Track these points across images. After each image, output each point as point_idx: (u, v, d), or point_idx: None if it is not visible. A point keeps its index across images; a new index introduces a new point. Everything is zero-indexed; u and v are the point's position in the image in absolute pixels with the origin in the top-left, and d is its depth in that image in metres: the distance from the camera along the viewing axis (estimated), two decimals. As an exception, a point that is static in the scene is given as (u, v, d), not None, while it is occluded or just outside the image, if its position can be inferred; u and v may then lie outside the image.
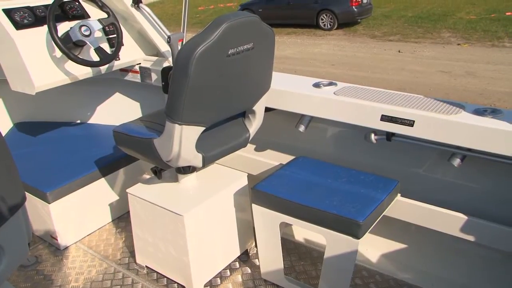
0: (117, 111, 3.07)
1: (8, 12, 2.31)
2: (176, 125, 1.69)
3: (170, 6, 21.19)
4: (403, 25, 13.85)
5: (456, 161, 1.86)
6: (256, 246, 2.34)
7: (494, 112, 1.76)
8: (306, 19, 14.47)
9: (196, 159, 1.85)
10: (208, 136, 1.91)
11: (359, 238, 1.69)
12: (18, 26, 2.31)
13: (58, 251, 2.44)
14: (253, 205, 1.97)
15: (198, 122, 1.74)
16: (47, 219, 2.39)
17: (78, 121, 3.21)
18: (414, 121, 1.83)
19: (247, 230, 2.31)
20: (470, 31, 12.55)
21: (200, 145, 1.83)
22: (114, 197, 2.63)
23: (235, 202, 2.19)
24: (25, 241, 1.27)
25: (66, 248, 2.46)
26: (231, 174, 2.24)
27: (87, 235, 2.55)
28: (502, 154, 1.67)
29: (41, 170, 2.50)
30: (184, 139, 1.74)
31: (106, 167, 2.55)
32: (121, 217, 2.69)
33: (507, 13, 13.78)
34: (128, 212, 2.42)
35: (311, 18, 14.38)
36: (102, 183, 2.54)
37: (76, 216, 2.46)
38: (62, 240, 2.44)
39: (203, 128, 1.78)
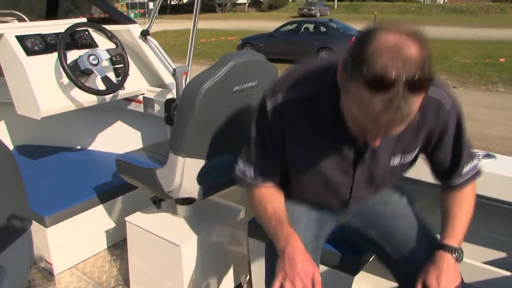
0: (118, 139, 3.11)
1: (21, 39, 2.38)
2: (180, 157, 1.73)
3: (172, 36, 21.54)
4: (400, 66, 14.10)
5: None
6: (250, 279, 2.35)
7: (487, 157, 1.81)
8: (306, 56, 14.63)
9: (196, 191, 1.88)
10: (209, 169, 1.95)
11: (354, 275, 1.71)
12: (29, 52, 2.37)
13: (51, 276, 2.43)
14: (249, 239, 1.99)
15: (201, 155, 1.78)
16: (43, 243, 2.40)
17: (79, 147, 3.24)
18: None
19: (242, 263, 2.32)
20: (465, 75, 12.80)
21: (201, 177, 1.87)
22: (111, 224, 2.64)
23: (232, 235, 2.21)
24: (27, 264, 1.30)
25: (60, 273, 2.46)
26: (229, 207, 2.27)
27: (82, 261, 2.55)
28: (496, 198, 1.71)
29: (40, 193, 2.52)
30: (186, 171, 1.78)
31: (105, 194, 2.58)
32: (117, 245, 2.69)
33: (501, 59, 14.10)
34: (124, 239, 2.43)
35: (311, 55, 14.63)
36: (100, 209, 2.56)
37: (72, 242, 2.47)
38: (57, 265, 2.44)
39: (205, 161, 1.82)
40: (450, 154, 1.39)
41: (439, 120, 1.31)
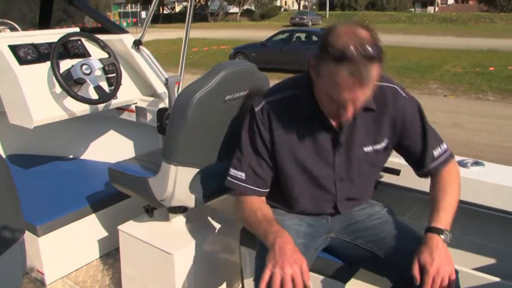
0: (111, 148, 3.11)
1: (13, 48, 2.39)
2: (172, 165, 1.75)
3: (165, 45, 21.54)
4: (392, 75, 14.18)
5: None
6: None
7: (476, 164, 1.84)
8: (298, 65, 14.74)
9: (189, 199, 1.89)
10: (202, 177, 1.97)
11: (345, 283, 1.73)
12: (22, 61, 2.38)
13: (43, 285, 2.42)
14: (242, 247, 2.00)
15: (193, 163, 1.79)
16: (35, 253, 2.39)
17: (71, 156, 3.24)
18: (400, 170, 1.90)
19: (234, 272, 2.32)
20: (456, 84, 12.93)
21: (193, 185, 1.88)
22: (103, 233, 2.64)
23: (224, 243, 2.22)
24: (20, 274, 1.30)
25: (52, 283, 2.45)
26: (221, 215, 2.28)
27: (74, 271, 2.54)
28: (484, 204, 1.74)
29: (32, 203, 2.51)
30: (178, 180, 1.79)
31: (97, 203, 2.57)
32: (109, 254, 2.69)
33: (491, 68, 14.25)
34: (116, 249, 2.43)
35: (303, 64, 14.63)
36: (92, 218, 2.56)
37: (64, 251, 2.46)
38: (49, 275, 2.43)
39: (198, 170, 1.83)
40: (417, 140, 1.56)
41: (398, 106, 1.53)
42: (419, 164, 1.59)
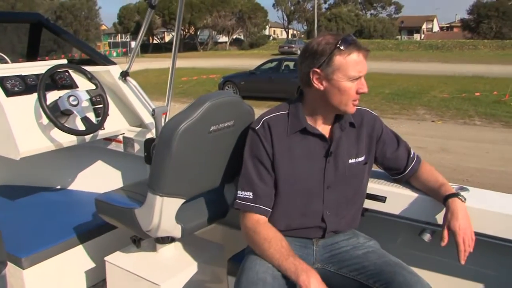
0: (98, 178, 3.10)
1: (1, 80, 2.40)
2: (158, 196, 1.75)
3: (154, 75, 21.66)
4: (380, 101, 14.38)
5: (427, 236, 1.92)
6: (231, 318, 2.33)
7: (461, 190, 1.86)
8: (287, 93, 14.79)
9: (175, 230, 1.89)
10: (188, 207, 1.96)
11: None
12: (9, 93, 2.39)
13: None
14: (229, 277, 1.99)
15: (179, 194, 1.80)
16: (20, 286, 2.35)
17: (59, 187, 3.22)
18: (386, 197, 1.92)
19: None
20: (443, 109, 13.10)
21: (180, 216, 1.88)
22: (90, 264, 2.60)
23: (212, 273, 2.21)
24: None
25: None
26: (208, 245, 2.27)
27: None
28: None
29: (17, 234, 2.48)
30: (164, 210, 1.79)
31: (84, 234, 2.55)
32: (96, 285, 2.65)
33: (476, 93, 14.51)
34: (103, 280, 2.40)
35: (292, 93, 14.78)
36: (79, 250, 2.53)
37: (50, 284, 2.42)
38: None
39: (184, 200, 1.83)
40: (394, 145, 1.81)
41: (369, 122, 1.78)
42: (403, 165, 1.83)
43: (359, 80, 1.60)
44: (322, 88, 1.62)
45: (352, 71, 1.57)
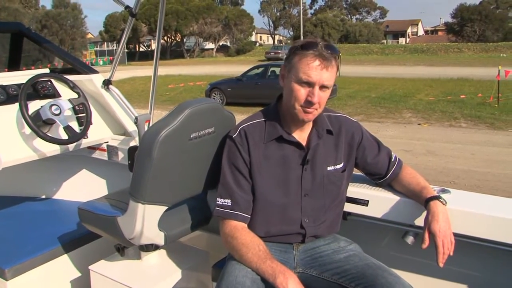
0: (83, 187, 3.08)
1: None
2: (139, 204, 1.74)
3: (140, 83, 21.59)
4: (366, 105, 14.46)
5: (410, 239, 1.94)
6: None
7: (443, 192, 1.88)
8: (274, 98, 14.77)
9: (158, 237, 1.88)
10: (171, 215, 1.96)
11: None
12: None
13: None
14: (214, 283, 1.99)
15: (161, 201, 1.79)
16: None
17: (43, 196, 3.20)
18: (368, 201, 1.93)
19: None
20: (429, 112, 13.21)
21: (162, 223, 1.88)
22: (75, 274, 2.58)
23: (197, 280, 2.20)
24: None
25: None
26: (192, 252, 2.27)
27: None
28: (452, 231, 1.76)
29: (0, 246, 2.46)
30: (146, 218, 1.78)
31: (69, 243, 2.53)
32: None
33: (461, 96, 14.68)
34: None
35: (279, 98, 14.81)
36: (63, 259, 2.50)
37: None
38: None
39: (166, 207, 1.83)
40: (375, 150, 1.83)
41: (348, 129, 1.80)
42: (385, 170, 1.84)
43: (311, 88, 1.59)
44: (282, 84, 1.70)
45: (301, 73, 1.58)
